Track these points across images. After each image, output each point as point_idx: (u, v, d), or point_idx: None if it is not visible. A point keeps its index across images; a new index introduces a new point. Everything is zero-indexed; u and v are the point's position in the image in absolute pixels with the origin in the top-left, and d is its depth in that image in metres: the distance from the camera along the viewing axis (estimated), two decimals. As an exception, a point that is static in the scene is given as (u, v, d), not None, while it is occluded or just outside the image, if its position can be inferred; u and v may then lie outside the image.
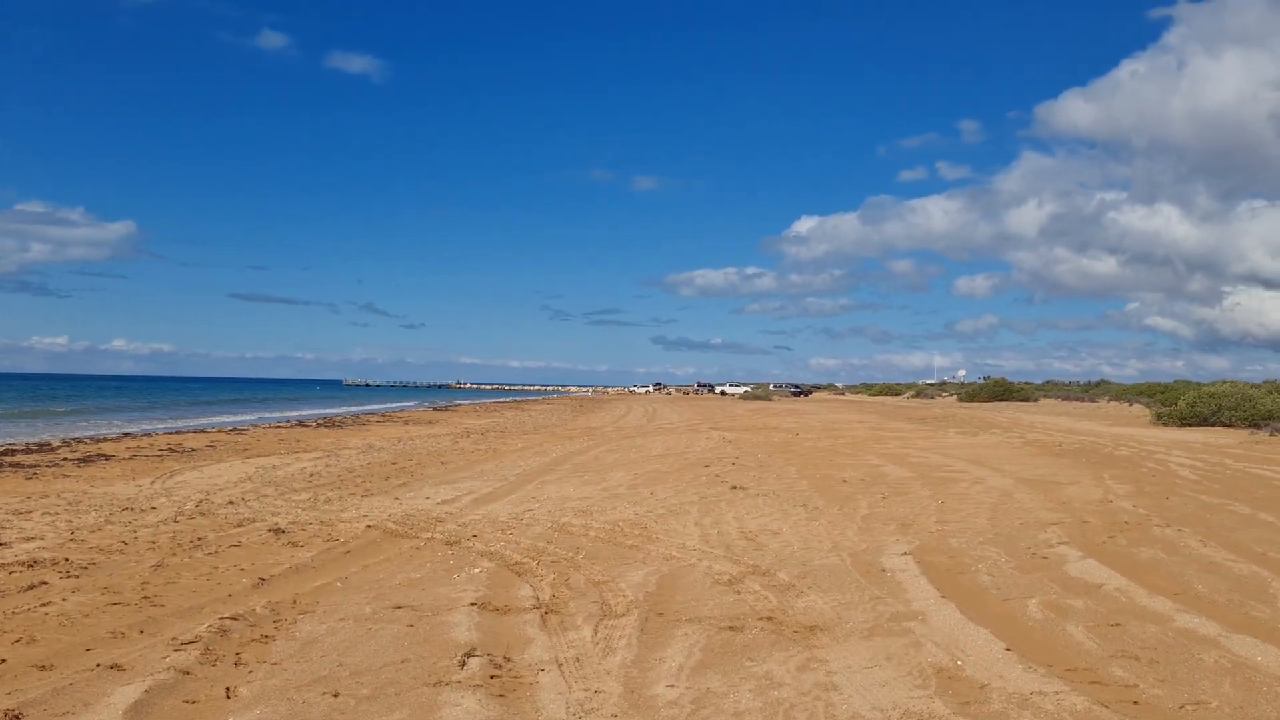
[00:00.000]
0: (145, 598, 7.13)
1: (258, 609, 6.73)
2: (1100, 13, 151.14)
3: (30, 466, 17.24)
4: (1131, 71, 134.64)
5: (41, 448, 22.37)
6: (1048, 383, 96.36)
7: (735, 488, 14.13)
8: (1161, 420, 34.64)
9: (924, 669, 5.40)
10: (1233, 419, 31.78)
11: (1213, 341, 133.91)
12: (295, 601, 7.06)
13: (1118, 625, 6.36)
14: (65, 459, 18.99)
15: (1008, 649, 5.73)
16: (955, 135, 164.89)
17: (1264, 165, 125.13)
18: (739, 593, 7.42)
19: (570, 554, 9.05)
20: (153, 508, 11.92)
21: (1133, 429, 32.11)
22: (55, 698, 4.93)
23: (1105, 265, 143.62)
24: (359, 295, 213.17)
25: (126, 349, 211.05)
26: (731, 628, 6.37)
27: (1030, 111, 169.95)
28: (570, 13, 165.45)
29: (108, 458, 19.33)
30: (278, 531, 10.06)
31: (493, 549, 9.29)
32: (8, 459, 18.74)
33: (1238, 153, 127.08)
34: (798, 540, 9.82)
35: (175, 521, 10.75)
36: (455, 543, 9.63)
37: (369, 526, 10.49)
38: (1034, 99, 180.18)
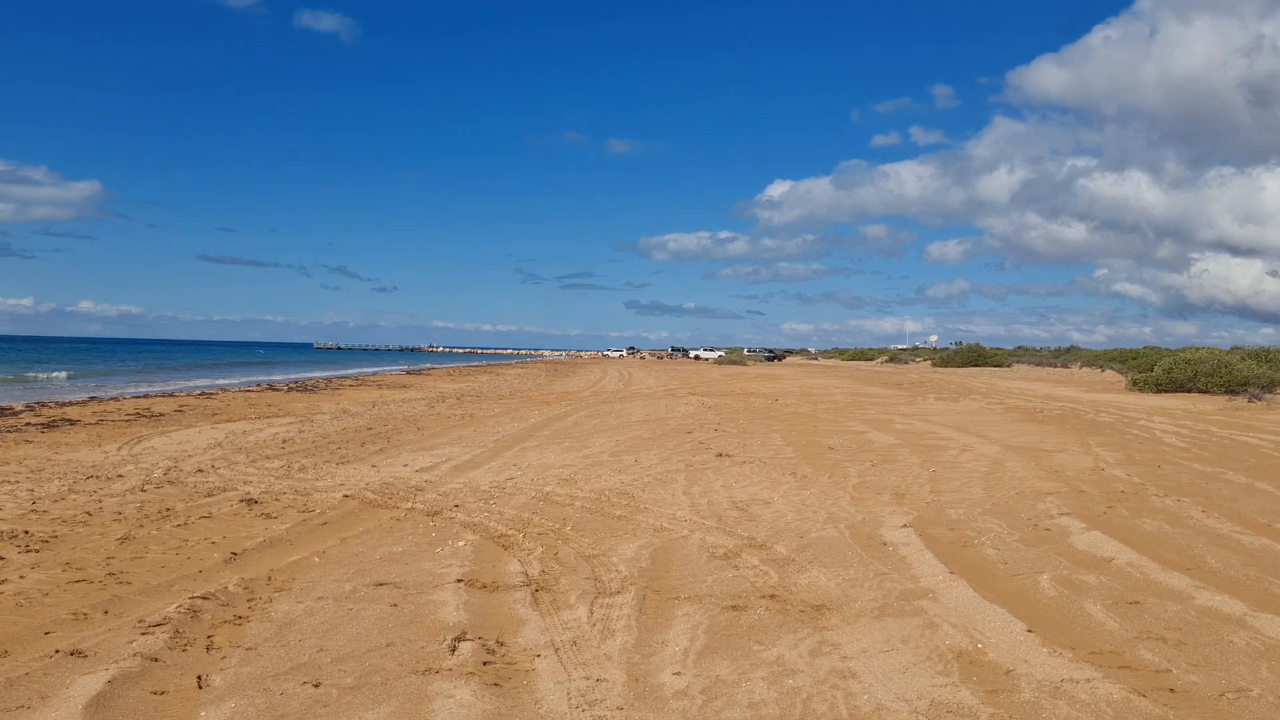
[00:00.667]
0: (110, 574, 6.70)
1: (230, 587, 6.33)
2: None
3: (-9, 432, 16.67)
4: (1104, 38, 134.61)
5: (3, 412, 21.72)
6: (1019, 348, 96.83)
7: (721, 455, 13.82)
8: (1137, 386, 34.68)
9: (944, 653, 5.09)
10: (1209, 385, 31.84)
11: (1180, 308, 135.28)
12: (270, 578, 6.67)
13: (1136, 603, 6.08)
14: (28, 424, 18.41)
15: (1029, 630, 5.43)
16: (928, 100, 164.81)
17: (1233, 132, 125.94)
18: (737, 568, 7.10)
19: (557, 525, 8.70)
20: (119, 476, 11.44)
21: (1110, 395, 32.11)
22: (8, 690, 4.53)
23: (1075, 231, 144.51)
24: (330, 258, 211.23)
25: (94, 311, 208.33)
26: (734, 607, 6.04)
27: (1003, 77, 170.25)
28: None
29: (73, 423, 18.76)
30: (250, 502, 9.64)
31: (476, 520, 8.92)
32: (-32, 424, 18.13)
33: (1207, 120, 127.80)
34: (790, 510, 9.51)
35: (143, 490, 10.29)
36: (437, 513, 9.25)
37: (346, 496, 10.09)
38: (1007, 64, 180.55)
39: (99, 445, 14.88)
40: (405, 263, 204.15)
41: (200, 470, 11.99)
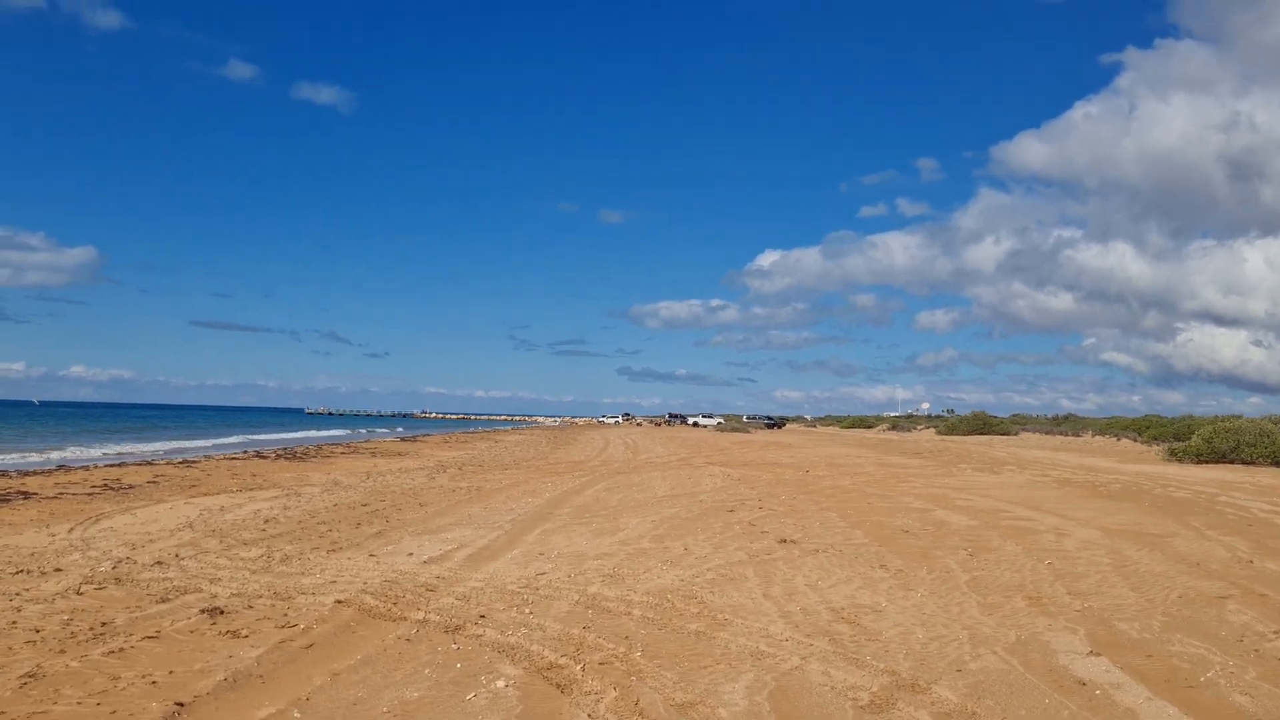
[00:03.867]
0: (-13, 748, 4.52)
1: (164, 776, 4.15)
2: (1053, 58, 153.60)
3: (-72, 508, 14.42)
4: (1084, 114, 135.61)
5: (-45, 483, 19.46)
6: (1015, 416, 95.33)
7: (784, 541, 11.64)
8: (1176, 456, 32.73)
9: None
10: (1253, 455, 29.91)
11: (1167, 376, 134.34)
12: (227, 754, 4.48)
13: None
14: (-24, 498, 16.16)
15: None
16: (914, 173, 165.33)
17: (1213, 205, 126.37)
18: (903, 728, 4.94)
19: (621, 648, 6.53)
20: (57, 569, 9.24)
21: (1150, 466, 30.04)
22: None
23: (1062, 301, 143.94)
24: (322, 323, 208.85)
25: (85, 375, 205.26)
26: (949, 816, 3.87)
27: (986, 151, 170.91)
28: (537, 48, 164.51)
29: (27, 496, 16.51)
30: (215, 612, 7.42)
31: (511, 640, 6.73)
32: (-94, 498, 15.87)
33: (1188, 193, 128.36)
34: (914, 623, 7.36)
35: (79, 593, 8.08)
36: (458, 629, 7.06)
37: (339, 602, 7.88)
38: (990, 139, 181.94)
39: (47, 526, 12.65)
40: (397, 329, 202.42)
41: (159, 562, 9.77)
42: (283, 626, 7.03)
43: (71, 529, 12.39)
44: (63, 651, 6.22)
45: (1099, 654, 6.37)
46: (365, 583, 8.75)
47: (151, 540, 11.39)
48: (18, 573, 8.98)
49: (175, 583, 8.63)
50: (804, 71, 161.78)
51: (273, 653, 6.32)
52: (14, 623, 6.95)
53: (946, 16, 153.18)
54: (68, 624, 6.95)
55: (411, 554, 10.62)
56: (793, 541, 11.64)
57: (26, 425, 69.77)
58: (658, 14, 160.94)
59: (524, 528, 13.11)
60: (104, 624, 6.98)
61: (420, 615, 7.47)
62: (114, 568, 9.33)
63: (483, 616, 7.45)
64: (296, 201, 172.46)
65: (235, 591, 8.27)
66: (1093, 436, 66.55)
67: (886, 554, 10.78)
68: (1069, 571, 9.73)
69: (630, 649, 6.53)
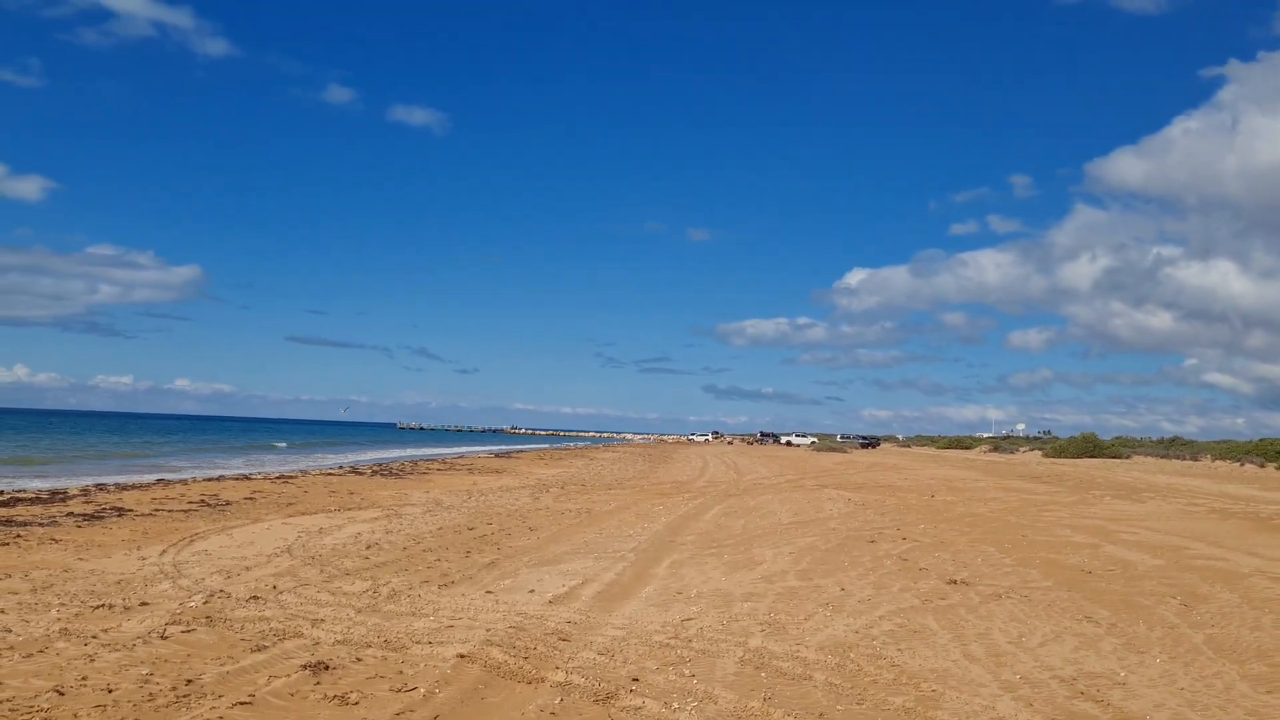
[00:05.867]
0: None
1: None
2: (1151, 72, 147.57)
3: (21, 524, 13.71)
4: (1184, 129, 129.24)
5: (53, 496, 18.97)
6: (1118, 438, 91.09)
7: (953, 582, 10.10)
8: (1328, 485, 30.10)
9: None
10: None
11: (1274, 398, 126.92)
12: None
13: None
14: (71, 514, 15.47)
15: None
16: (1006, 190, 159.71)
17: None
18: None
19: (820, 733, 5.13)
20: (143, 603, 8.19)
21: (1304, 495, 27.51)
22: None
23: (1161, 320, 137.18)
24: (413, 340, 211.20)
25: (188, 389, 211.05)
26: None
27: (1080, 168, 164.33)
28: (627, 70, 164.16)
29: (122, 513, 15.77)
30: (318, 668, 6.22)
31: (681, 718, 5.39)
32: (1, 511, 15.23)
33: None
34: (1178, 703, 5.83)
35: (163, 636, 6.97)
36: (609, 697, 5.75)
37: (461, 656, 6.63)
38: (1084, 156, 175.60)
39: (139, 547, 11.74)
40: (486, 345, 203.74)
41: (255, 596, 8.66)
42: (398, 690, 5.80)
43: (163, 551, 11.46)
44: (138, 721, 5.06)
45: None
46: (488, 629, 7.50)
47: (247, 568, 10.35)
48: (99, 607, 7.95)
49: (273, 624, 7.49)
50: (894, 88, 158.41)
51: (390, 729, 5.07)
52: (84, 678, 5.84)
53: (1041, 31, 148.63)
54: (146, 681, 5.81)
55: (533, 590, 9.37)
56: (964, 583, 10.09)
57: (141, 437, 71.07)
58: (749, 34, 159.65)
59: (649, 558, 11.78)
60: (189, 681, 5.83)
61: (560, 676, 6.17)
62: (205, 602, 8.25)
63: (636, 680, 6.12)
64: (389, 221, 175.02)
65: (340, 637, 7.09)
66: (1212, 461, 62.81)
67: (1083, 602, 9.18)
68: (1323, 631, 8.04)
69: (834, 735, 5.13)
